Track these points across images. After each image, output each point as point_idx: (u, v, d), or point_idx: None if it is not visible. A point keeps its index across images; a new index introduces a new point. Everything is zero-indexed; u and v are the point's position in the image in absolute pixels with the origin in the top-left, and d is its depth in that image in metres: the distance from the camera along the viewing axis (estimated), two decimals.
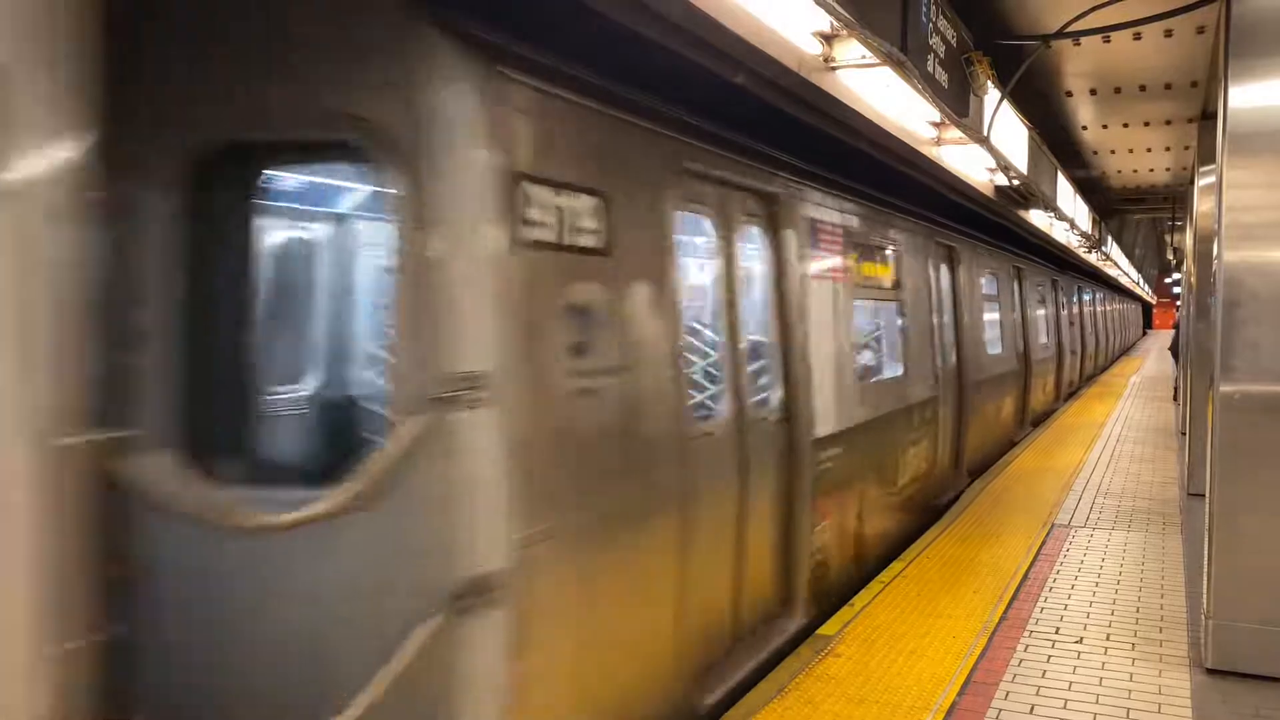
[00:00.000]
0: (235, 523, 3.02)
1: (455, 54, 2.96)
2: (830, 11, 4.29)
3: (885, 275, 7.40)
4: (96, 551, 1.85)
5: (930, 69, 5.65)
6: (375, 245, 4.67)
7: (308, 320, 4.74)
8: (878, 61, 4.99)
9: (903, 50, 5.02)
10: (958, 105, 6.46)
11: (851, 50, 4.96)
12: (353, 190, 4.78)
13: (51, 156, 1.77)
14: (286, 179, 4.36)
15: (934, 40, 5.70)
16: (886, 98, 5.80)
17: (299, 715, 2.92)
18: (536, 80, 3.25)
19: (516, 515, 3.04)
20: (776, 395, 5.33)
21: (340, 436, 4.37)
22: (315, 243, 4.84)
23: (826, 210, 5.97)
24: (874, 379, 7.32)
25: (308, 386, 4.73)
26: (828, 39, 4.93)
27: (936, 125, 7.27)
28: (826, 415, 5.69)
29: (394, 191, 3.02)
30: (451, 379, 2.96)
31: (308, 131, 3.17)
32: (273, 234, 4.37)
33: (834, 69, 5.04)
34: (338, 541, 3.00)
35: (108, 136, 1.87)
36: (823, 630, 5.36)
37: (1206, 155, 9.21)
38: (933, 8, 5.58)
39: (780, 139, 5.43)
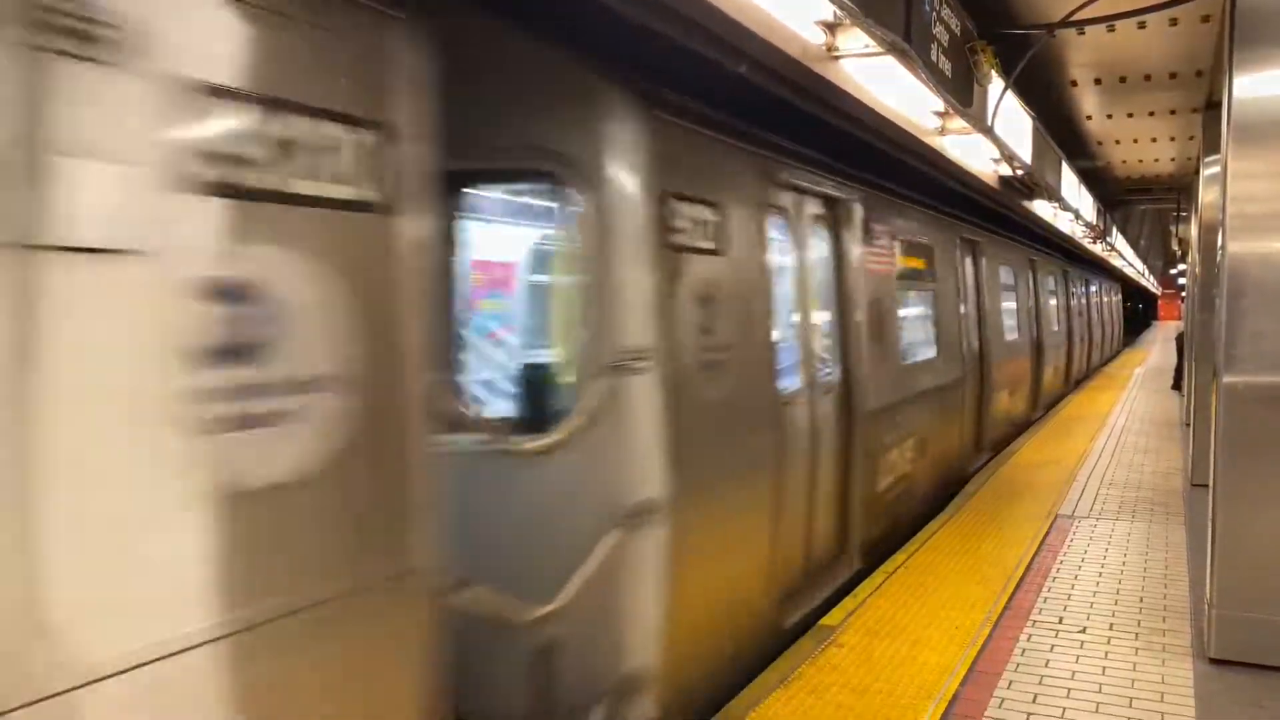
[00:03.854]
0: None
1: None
2: (833, 0, 4.27)
3: None
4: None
5: (934, 58, 5.63)
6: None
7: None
8: (881, 51, 4.97)
9: (906, 39, 5.00)
10: (961, 95, 6.44)
11: (855, 39, 4.94)
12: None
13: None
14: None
15: (937, 29, 5.68)
16: (890, 87, 5.78)
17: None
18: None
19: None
20: None
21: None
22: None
23: None
24: None
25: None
26: (831, 28, 4.92)
27: (940, 115, 7.24)
28: None
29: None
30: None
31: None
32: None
33: (837, 58, 5.02)
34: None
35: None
36: (826, 621, 5.37)
37: (1211, 145, 9.18)
38: None
39: (782, 128, 5.42)
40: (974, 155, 8.58)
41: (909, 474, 7.56)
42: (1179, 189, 18.24)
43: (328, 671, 2.32)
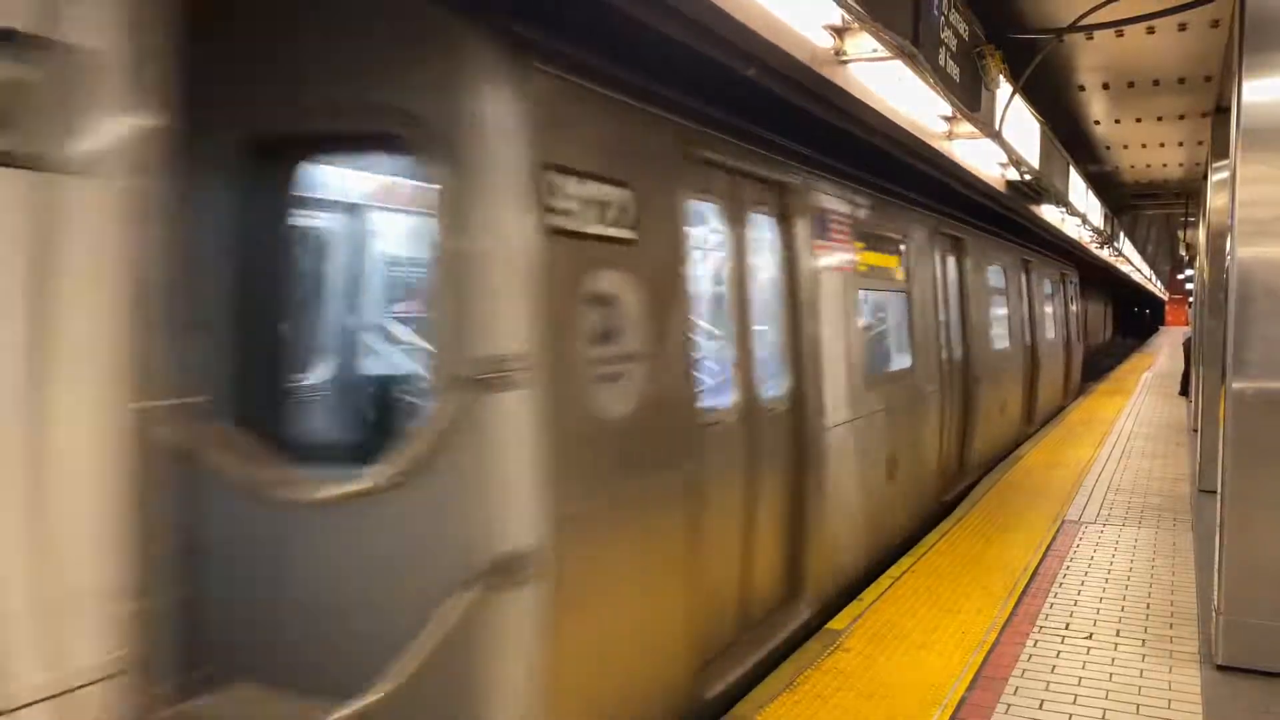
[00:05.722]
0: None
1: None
2: (841, 4, 4.27)
3: None
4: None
5: (942, 62, 5.63)
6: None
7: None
8: (889, 55, 4.97)
9: (914, 43, 5.00)
10: (969, 99, 6.43)
11: (863, 43, 4.94)
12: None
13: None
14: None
15: (946, 34, 5.68)
16: (898, 91, 5.77)
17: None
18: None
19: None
20: None
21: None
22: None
23: None
24: None
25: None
26: (839, 32, 4.92)
27: (948, 119, 7.24)
28: None
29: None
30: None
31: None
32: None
33: (845, 62, 5.02)
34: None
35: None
36: (831, 625, 5.36)
37: (1220, 150, 9.15)
38: (944, 1, 5.56)
39: (790, 131, 5.41)
40: (981, 159, 8.56)
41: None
42: (1187, 194, 18.22)
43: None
